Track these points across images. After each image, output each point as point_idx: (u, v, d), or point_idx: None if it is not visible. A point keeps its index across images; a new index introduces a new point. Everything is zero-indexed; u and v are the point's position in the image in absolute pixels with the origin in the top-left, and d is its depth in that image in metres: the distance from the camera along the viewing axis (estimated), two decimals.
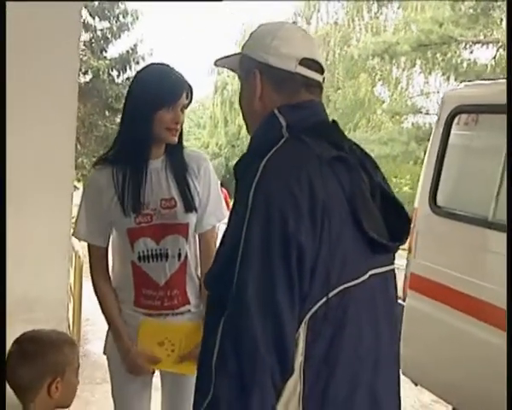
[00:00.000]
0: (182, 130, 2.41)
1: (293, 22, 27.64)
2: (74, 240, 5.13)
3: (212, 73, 31.76)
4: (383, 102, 27.91)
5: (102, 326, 2.56)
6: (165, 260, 2.38)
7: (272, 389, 1.35)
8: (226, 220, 2.49)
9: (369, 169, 1.57)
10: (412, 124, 23.04)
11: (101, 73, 19.16)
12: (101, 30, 20.22)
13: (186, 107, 2.36)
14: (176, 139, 2.35)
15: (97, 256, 2.45)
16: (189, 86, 2.36)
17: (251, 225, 1.37)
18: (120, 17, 20.60)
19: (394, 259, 1.65)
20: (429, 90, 25.39)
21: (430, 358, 4.11)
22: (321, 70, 1.62)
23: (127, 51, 20.70)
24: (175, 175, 2.39)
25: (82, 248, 5.22)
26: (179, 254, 2.40)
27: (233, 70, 1.77)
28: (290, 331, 1.36)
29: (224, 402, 1.34)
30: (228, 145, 32.13)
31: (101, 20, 20.02)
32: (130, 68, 20.76)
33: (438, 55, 20.80)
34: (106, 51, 20.57)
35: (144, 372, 2.43)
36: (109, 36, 20.47)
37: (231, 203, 1.54)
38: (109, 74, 20.21)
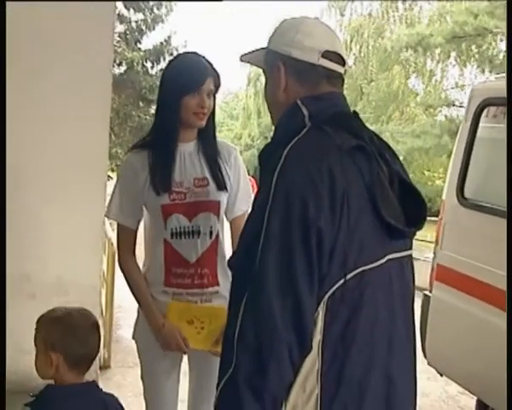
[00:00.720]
0: (214, 115, 2.53)
1: (325, 15, 27.53)
2: (107, 228, 5.25)
3: (246, 64, 31.81)
4: (417, 94, 27.64)
5: (134, 313, 2.63)
6: (197, 236, 2.46)
7: (290, 364, 1.42)
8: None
9: (387, 158, 1.63)
10: (446, 117, 22.83)
11: (135, 64, 19.33)
12: (136, 22, 20.37)
13: (214, 93, 2.47)
14: (203, 123, 2.46)
15: (126, 237, 2.54)
16: (216, 72, 2.47)
17: (273, 209, 1.44)
18: (155, 9, 20.74)
19: (412, 245, 1.71)
20: (464, 83, 25.07)
21: (456, 349, 4.13)
22: (342, 62, 1.69)
23: (161, 43, 20.82)
24: (207, 157, 2.50)
25: (115, 235, 5.33)
26: (211, 232, 2.48)
27: (257, 65, 1.84)
28: (308, 310, 1.43)
29: (242, 375, 1.40)
30: (260, 137, 32.12)
31: (135, 12, 20.17)
32: (164, 60, 20.85)
33: (473, 46, 20.56)
34: (140, 43, 20.72)
35: (178, 347, 2.48)
36: (144, 28, 20.61)
37: None
38: (143, 66, 20.38)
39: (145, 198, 2.46)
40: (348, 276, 1.46)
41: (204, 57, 2.48)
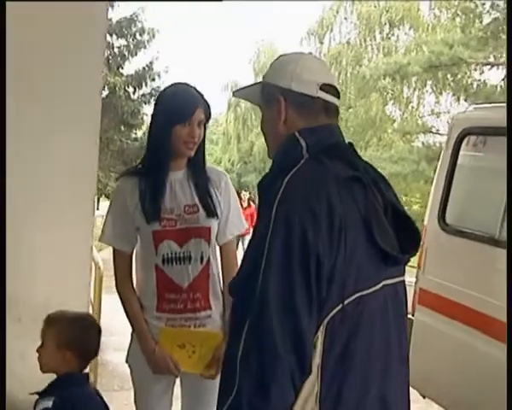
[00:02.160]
0: (204, 144, 2.57)
1: (304, 43, 27.81)
2: (94, 252, 5.24)
3: (226, 89, 31.96)
4: (394, 121, 27.97)
5: (119, 337, 2.65)
6: (188, 262, 2.48)
7: (291, 387, 1.45)
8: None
9: (381, 187, 1.67)
10: (423, 143, 23.07)
11: (117, 89, 19.32)
12: (119, 47, 20.42)
13: (204, 123, 2.51)
14: (192, 153, 2.50)
15: (122, 261, 2.56)
16: (206, 102, 2.51)
17: (274, 236, 1.48)
18: (137, 35, 20.81)
19: (405, 271, 1.76)
20: (440, 110, 25.47)
21: (438, 371, 4.17)
22: (337, 95, 1.74)
23: (143, 68, 20.88)
24: (197, 184, 2.54)
25: (102, 259, 5.32)
26: (201, 258, 2.51)
27: (251, 101, 1.89)
28: (308, 333, 1.46)
29: (245, 398, 1.43)
30: (240, 161, 32.25)
31: (118, 37, 20.23)
32: (146, 85, 20.95)
33: (448, 75, 20.89)
34: (122, 68, 20.75)
35: (169, 371, 2.50)
36: (126, 53, 20.67)
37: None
38: (125, 90, 20.39)
39: (137, 222, 2.49)
40: (346, 301, 1.50)
41: (194, 88, 2.52)
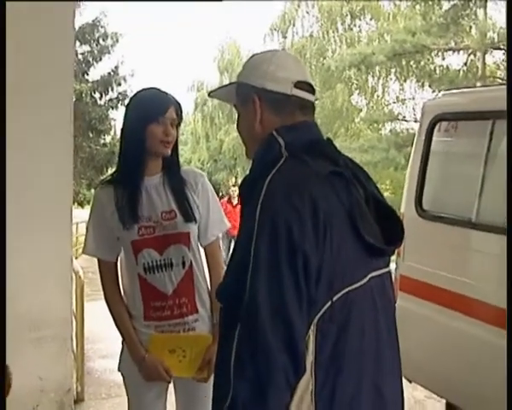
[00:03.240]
0: (177, 146, 2.54)
1: (267, 39, 27.87)
2: (74, 261, 5.20)
3: (192, 89, 31.91)
4: (361, 110, 28.18)
5: (103, 345, 2.63)
6: (170, 269, 2.45)
7: (287, 388, 1.45)
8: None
9: (362, 180, 1.67)
10: (390, 131, 23.33)
11: (83, 95, 19.19)
12: (83, 54, 20.26)
13: (177, 123, 2.50)
14: (169, 151, 2.47)
15: (107, 271, 2.54)
16: (177, 103, 2.50)
17: (259, 239, 1.47)
18: (101, 40, 20.67)
19: (389, 261, 1.76)
20: (405, 97, 25.70)
21: (422, 355, 4.21)
22: (312, 91, 1.73)
23: (108, 73, 20.76)
24: (173, 189, 2.51)
25: (82, 268, 5.29)
26: (183, 263, 2.48)
27: (227, 101, 1.88)
28: (300, 332, 1.45)
29: (242, 403, 1.43)
30: (210, 160, 32.18)
31: (81, 44, 20.06)
32: (112, 90, 20.82)
33: (412, 63, 21.11)
34: (87, 74, 20.61)
35: (160, 377, 2.49)
36: (90, 59, 20.52)
37: None
38: (92, 96, 20.27)
39: (115, 231, 2.47)
40: (335, 298, 1.50)
41: (165, 92, 2.51)
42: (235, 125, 1.81)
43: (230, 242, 11.61)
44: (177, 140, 2.52)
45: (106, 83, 20.55)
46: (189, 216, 2.48)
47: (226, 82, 31.89)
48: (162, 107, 2.43)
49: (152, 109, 2.41)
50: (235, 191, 12.50)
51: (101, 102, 20.75)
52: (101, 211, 2.49)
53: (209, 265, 2.60)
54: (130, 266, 2.48)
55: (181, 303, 2.47)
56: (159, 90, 2.50)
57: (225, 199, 12.97)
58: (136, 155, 2.44)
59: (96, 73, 20.83)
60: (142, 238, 2.43)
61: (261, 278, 1.45)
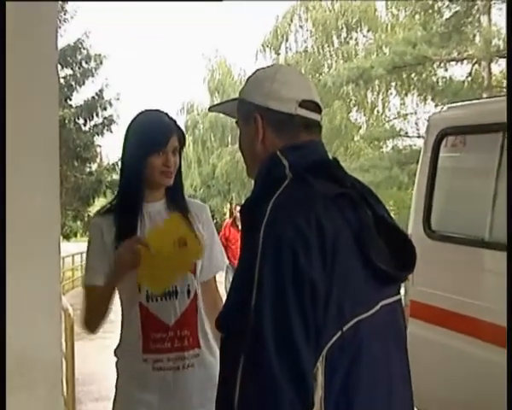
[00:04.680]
0: (181, 173, 2.56)
1: (260, 55, 28.06)
2: (64, 298, 5.18)
3: (182, 112, 32.01)
4: (360, 127, 28.25)
5: (96, 387, 2.61)
6: (174, 297, 2.47)
7: None
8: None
9: (371, 202, 1.67)
10: (392, 148, 23.37)
11: (67, 121, 19.22)
12: (64, 77, 20.32)
13: (180, 150, 2.52)
14: (171, 181, 2.49)
15: (93, 296, 2.51)
16: (179, 129, 2.52)
17: (263, 266, 1.47)
18: (83, 63, 20.78)
19: (400, 289, 1.77)
20: (406, 112, 25.80)
21: (435, 383, 4.20)
22: (319, 110, 1.74)
23: (93, 97, 20.84)
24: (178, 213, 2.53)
25: (71, 306, 5.26)
26: (189, 291, 2.49)
27: (229, 116, 1.89)
28: (307, 364, 1.45)
29: None
30: (203, 186, 32.16)
31: (63, 67, 20.10)
32: (97, 115, 20.90)
33: (413, 75, 21.19)
34: (70, 99, 20.67)
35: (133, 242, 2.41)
36: (73, 83, 20.60)
37: None
38: (76, 123, 20.34)
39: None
40: (345, 327, 1.49)
41: (166, 114, 2.52)
42: (238, 143, 1.82)
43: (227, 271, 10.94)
44: (180, 167, 2.53)
45: (90, 108, 20.64)
46: None
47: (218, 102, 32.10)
48: (163, 138, 2.44)
49: (152, 140, 2.43)
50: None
51: (86, 129, 20.84)
52: (101, 239, 2.49)
53: (207, 301, 2.58)
54: (132, 294, 2.47)
55: (182, 336, 2.47)
56: (160, 113, 2.52)
57: (229, 221, 11.81)
58: (135, 184, 2.47)
59: (79, 97, 20.94)
60: None
61: (265, 306, 1.44)
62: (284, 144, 1.66)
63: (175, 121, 2.52)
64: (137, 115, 2.56)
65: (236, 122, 1.81)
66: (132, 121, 2.55)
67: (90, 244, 2.54)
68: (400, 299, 1.74)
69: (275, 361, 1.42)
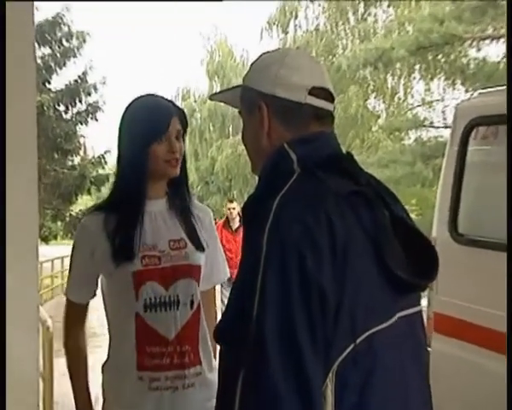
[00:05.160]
0: (185, 163, 2.59)
1: (265, 35, 28.04)
2: (42, 309, 5.18)
3: (177, 99, 32.00)
4: (379, 117, 28.22)
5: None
6: (175, 308, 2.47)
7: None
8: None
9: (388, 201, 1.69)
10: (415, 140, 23.28)
11: (45, 108, 19.19)
12: (42, 57, 20.31)
13: (183, 134, 2.53)
14: (177, 171, 2.51)
15: (77, 314, 2.60)
16: (180, 110, 2.55)
17: (267, 270, 1.49)
18: (64, 41, 20.76)
19: (420, 298, 1.78)
20: (432, 99, 25.69)
21: (462, 407, 4.20)
22: (331, 98, 1.76)
23: (75, 81, 20.89)
24: (182, 213, 2.56)
25: (51, 318, 5.25)
26: (192, 302, 2.51)
27: (232, 105, 1.93)
28: (316, 382, 1.46)
29: None
30: (200, 182, 32.18)
31: (40, 45, 20.07)
32: (80, 101, 20.95)
33: (440, 57, 21.05)
34: (49, 82, 20.69)
35: None
36: (52, 64, 20.60)
37: None
38: (56, 109, 20.36)
39: (106, 268, 2.48)
40: (358, 340, 1.51)
41: (161, 96, 2.55)
42: (241, 135, 1.85)
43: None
44: (184, 156, 2.56)
45: (72, 93, 20.69)
46: (200, 245, 2.54)
47: (217, 89, 32.02)
48: (164, 121, 2.46)
49: (152, 127, 2.44)
50: (233, 211, 10.46)
51: (68, 116, 20.90)
52: (88, 245, 2.51)
53: (204, 312, 2.61)
54: (127, 304, 2.48)
55: (183, 351, 2.49)
56: (156, 97, 2.55)
57: (220, 222, 10.77)
58: (136, 179, 2.48)
59: (59, 80, 20.99)
60: (146, 269, 2.45)
61: (269, 316, 1.46)
62: (292, 136, 1.69)
63: (173, 102, 2.56)
64: (132, 102, 2.57)
65: (239, 112, 1.84)
66: (127, 109, 2.56)
67: (74, 251, 2.57)
68: (421, 311, 1.77)
69: (279, 376, 1.44)
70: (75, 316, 2.60)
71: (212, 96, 1.97)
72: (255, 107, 1.72)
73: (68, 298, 2.60)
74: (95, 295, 2.59)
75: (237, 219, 10.33)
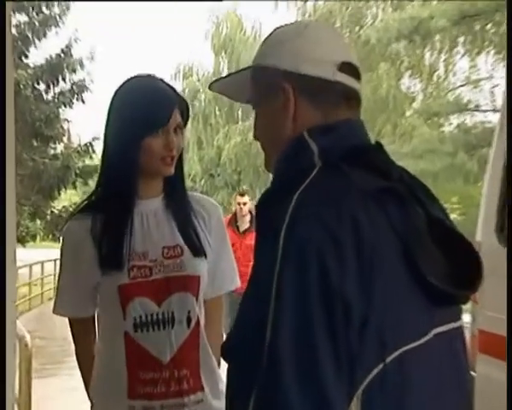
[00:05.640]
0: (182, 159, 2.59)
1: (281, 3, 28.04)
2: (18, 323, 5.21)
3: (177, 78, 32.11)
4: (414, 99, 28.18)
5: None
6: (170, 326, 2.48)
7: None
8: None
9: (423, 200, 1.70)
10: (458, 126, 23.24)
11: (22, 86, 19.12)
12: (17, 26, 20.23)
13: (182, 127, 2.52)
14: (172, 170, 2.50)
15: (83, 331, 2.64)
16: (182, 99, 2.55)
17: (283, 279, 1.49)
18: (43, 8, 20.70)
19: (461, 312, 1.78)
20: (479, 77, 25.58)
21: None
22: (358, 76, 1.77)
23: (57, 55, 20.86)
24: (178, 216, 2.56)
25: (29, 333, 5.27)
26: (189, 319, 2.51)
27: (236, 99, 1.96)
28: (337, 405, 1.46)
29: None
30: (205, 175, 32.25)
31: (15, 12, 19.97)
32: (64, 79, 20.94)
33: (488, 27, 20.96)
34: (27, 57, 20.67)
35: None
36: (29, 34, 20.55)
37: None
38: (34, 88, 20.35)
39: (94, 278, 2.50)
40: (387, 360, 1.51)
41: (161, 80, 2.55)
42: (253, 131, 1.84)
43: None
44: (182, 151, 2.56)
45: (54, 69, 20.68)
46: (199, 251, 2.54)
47: (224, 66, 32.10)
48: (164, 112, 2.45)
49: (150, 117, 2.44)
50: (243, 208, 9.79)
51: (49, 97, 20.91)
52: (76, 250, 2.53)
53: (207, 326, 2.63)
54: (114, 321, 2.51)
55: (180, 376, 2.50)
56: (155, 80, 2.54)
57: (225, 218, 8.25)
58: (126, 175, 2.49)
59: (38, 54, 20.98)
60: (135, 282, 2.47)
61: (286, 330, 1.47)
62: (319, 121, 1.69)
63: (174, 89, 2.55)
64: (126, 83, 2.57)
65: (250, 102, 1.84)
66: (119, 91, 2.55)
67: (62, 258, 2.61)
68: (462, 327, 1.76)
69: (295, 401, 1.44)
70: (79, 332, 2.65)
71: (211, 86, 1.95)
72: (276, 88, 1.72)
73: (60, 314, 2.64)
74: (93, 309, 2.61)
75: (247, 217, 9.72)
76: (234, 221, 9.70)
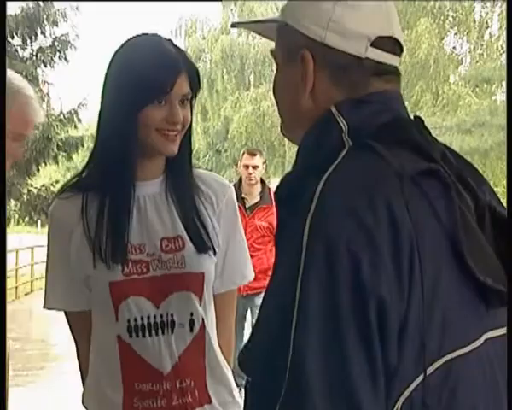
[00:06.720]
0: (190, 135, 2.55)
1: None
2: None
3: (178, 34, 31.99)
4: (460, 62, 28.02)
5: None
6: (169, 331, 2.47)
7: None
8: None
9: (471, 184, 1.69)
10: None
11: None
12: None
13: (190, 98, 2.48)
14: (175, 149, 2.46)
15: (82, 324, 2.58)
16: (192, 65, 2.50)
17: (309, 275, 1.49)
18: None
19: None
20: None
21: None
22: (399, 50, 1.75)
23: (36, 3, 20.67)
24: (181, 201, 2.54)
25: (9, 332, 5.32)
26: (191, 322, 2.50)
27: (263, 35, 1.94)
28: None
29: None
30: (209, 151, 32.06)
31: None
32: (44, 33, 20.88)
33: None
34: None
35: None
36: None
37: None
38: (7, 43, 20.29)
39: (85, 268, 2.48)
40: (430, 369, 1.52)
41: (170, 41, 2.51)
42: (272, 86, 1.84)
43: None
44: (190, 127, 2.52)
45: (32, 21, 20.56)
46: (204, 245, 2.52)
47: (234, 19, 31.78)
48: (167, 77, 2.40)
49: (149, 83, 2.40)
50: (254, 173, 8.00)
51: (26, 54, 20.83)
52: (63, 236, 2.52)
53: (217, 325, 2.63)
54: (106, 324, 2.51)
55: (184, 388, 2.50)
56: (160, 40, 2.51)
57: None
58: (122, 150, 2.46)
59: (12, 2, 20.90)
60: (129, 279, 2.46)
61: (312, 337, 1.48)
62: (343, 97, 1.69)
63: (184, 53, 2.53)
64: (126, 43, 2.53)
65: (272, 52, 1.84)
66: (117, 52, 2.51)
67: (49, 243, 2.60)
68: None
69: None
70: (78, 328, 2.62)
71: (235, 24, 1.97)
72: (296, 55, 1.71)
73: (54, 308, 2.62)
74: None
75: (257, 188, 8.12)
76: (238, 192, 7.56)
